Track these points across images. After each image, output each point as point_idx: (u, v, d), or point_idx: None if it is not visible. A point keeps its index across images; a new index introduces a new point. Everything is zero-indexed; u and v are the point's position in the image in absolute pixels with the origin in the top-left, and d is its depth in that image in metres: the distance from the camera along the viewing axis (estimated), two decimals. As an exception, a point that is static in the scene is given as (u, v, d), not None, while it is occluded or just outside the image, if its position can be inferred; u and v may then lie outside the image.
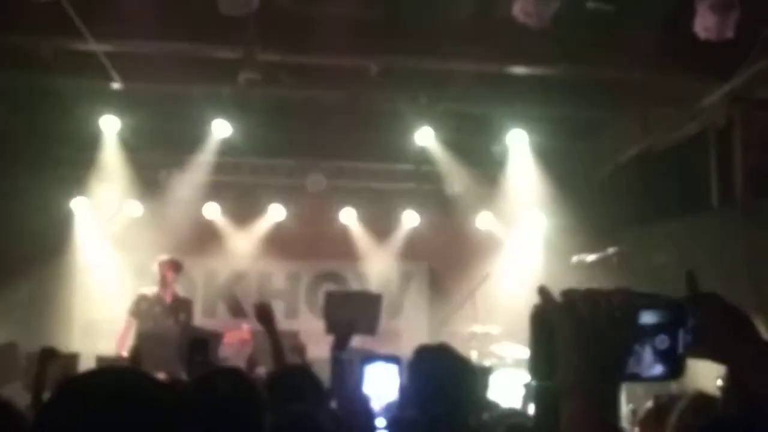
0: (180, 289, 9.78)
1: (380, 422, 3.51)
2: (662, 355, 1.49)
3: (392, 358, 3.81)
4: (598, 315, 1.41)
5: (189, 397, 2.99)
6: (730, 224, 9.10)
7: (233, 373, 3.37)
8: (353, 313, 5.98)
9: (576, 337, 1.40)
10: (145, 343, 7.92)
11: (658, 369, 1.49)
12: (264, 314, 5.48)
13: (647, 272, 9.75)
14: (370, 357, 3.69)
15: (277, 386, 4.34)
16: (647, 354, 1.49)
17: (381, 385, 3.68)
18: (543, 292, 1.48)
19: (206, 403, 2.90)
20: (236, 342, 9.15)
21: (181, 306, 9.48)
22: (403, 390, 3.77)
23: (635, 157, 10.76)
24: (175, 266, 9.48)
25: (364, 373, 3.61)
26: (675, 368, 1.50)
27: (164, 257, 9.53)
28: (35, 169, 10.98)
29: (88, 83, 9.88)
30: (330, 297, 6.49)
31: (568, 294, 1.46)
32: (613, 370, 1.43)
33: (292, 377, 4.56)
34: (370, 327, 6.43)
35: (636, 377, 1.48)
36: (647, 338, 1.48)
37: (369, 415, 3.43)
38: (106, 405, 1.70)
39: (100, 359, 7.60)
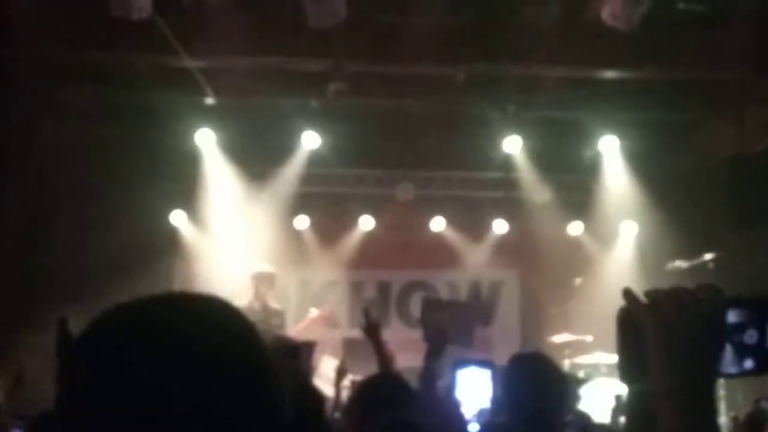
0: (273, 299, 9.91)
1: (473, 427, 3.50)
2: (752, 350, 1.47)
3: (485, 363, 3.79)
4: (685, 316, 1.39)
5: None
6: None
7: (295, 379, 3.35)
8: (448, 322, 5.94)
9: (665, 339, 1.38)
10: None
11: (748, 364, 1.47)
12: (371, 325, 5.54)
13: (745, 278, 9.48)
14: (464, 361, 3.67)
15: (370, 393, 4.37)
16: (738, 350, 1.47)
17: (474, 390, 3.66)
18: (628, 294, 1.46)
19: None
20: (306, 327, 9.37)
21: (273, 315, 9.61)
22: (497, 396, 3.74)
23: (731, 159, 10.47)
24: (268, 279, 9.60)
25: (456, 377, 3.59)
26: (765, 362, 1.47)
27: (256, 270, 9.65)
28: (133, 184, 11.29)
29: (183, 98, 10.16)
30: (427, 303, 6.46)
31: (653, 295, 1.43)
32: (705, 371, 1.40)
33: (385, 384, 4.58)
34: (465, 340, 6.37)
35: (728, 375, 1.46)
36: (737, 334, 1.46)
37: (461, 421, 3.42)
38: None
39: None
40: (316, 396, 3.15)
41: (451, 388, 3.59)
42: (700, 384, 1.39)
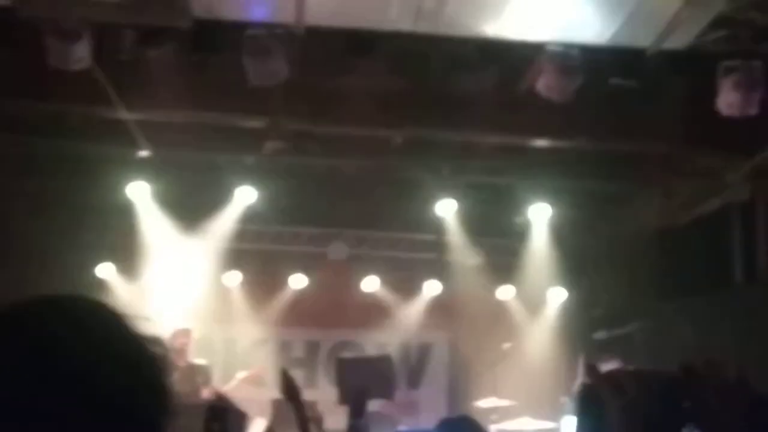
0: (199, 357, 9.81)
1: None
2: None
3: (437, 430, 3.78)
4: (647, 394, 1.40)
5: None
6: (753, 302, 9.03)
7: None
8: (367, 379, 5.88)
9: (626, 419, 1.39)
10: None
11: None
12: (290, 387, 5.47)
13: (669, 350, 9.66)
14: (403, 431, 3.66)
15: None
16: None
17: None
18: (591, 370, 1.47)
19: None
20: (234, 388, 9.31)
21: (198, 372, 9.50)
22: None
23: (658, 231, 10.75)
24: (183, 335, 9.62)
25: None
26: None
27: (180, 327, 9.69)
28: (60, 234, 11.08)
29: (115, 150, 10.03)
30: (341, 364, 6.39)
31: (616, 374, 1.45)
32: None
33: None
34: (386, 391, 6.30)
35: None
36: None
37: None
38: None
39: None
40: None
41: None
42: None
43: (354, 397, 5.18)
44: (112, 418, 1.08)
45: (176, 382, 9.28)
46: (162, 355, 1.21)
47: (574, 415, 1.47)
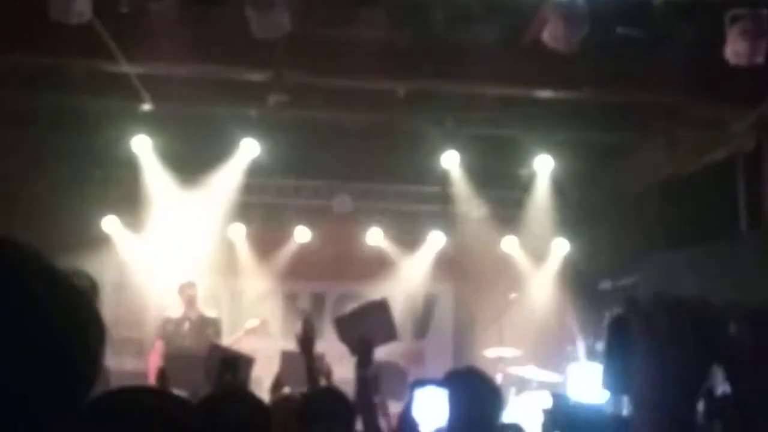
0: (205, 308, 9.90)
1: None
2: None
3: (443, 383, 3.80)
4: (680, 331, 1.37)
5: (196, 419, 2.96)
6: (757, 252, 9.04)
7: (243, 395, 3.33)
8: (366, 328, 5.89)
9: (656, 352, 1.35)
10: (171, 363, 7.99)
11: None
12: (307, 338, 5.53)
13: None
14: (422, 381, 3.69)
15: (309, 407, 4.38)
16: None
17: (431, 410, 3.68)
18: (630, 301, 1.44)
19: (213, 426, 2.86)
20: (241, 339, 9.43)
21: (209, 323, 9.59)
22: (452, 414, 3.75)
23: (662, 181, 10.73)
24: (191, 288, 9.71)
25: (414, 397, 3.61)
26: None
27: (184, 280, 9.76)
28: (65, 189, 11.09)
29: (118, 104, 10.00)
30: (339, 322, 6.39)
31: (652, 304, 1.41)
32: (692, 388, 1.37)
33: (323, 398, 4.60)
34: (389, 334, 6.29)
35: (710, 394, 1.44)
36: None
37: None
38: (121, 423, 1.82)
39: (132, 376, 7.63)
40: (263, 411, 3.12)
41: (408, 408, 3.61)
42: (682, 401, 1.36)
43: (358, 349, 5.22)
44: (39, 362, 1.02)
45: (188, 334, 9.39)
46: (87, 287, 1.18)
47: (604, 347, 1.46)
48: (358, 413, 4.51)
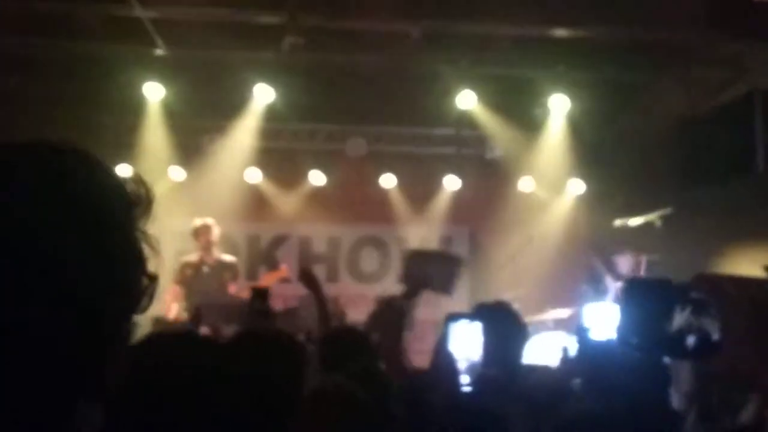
0: (221, 251, 9.89)
1: (464, 379, 3.56)
2: None
3: (476, 316, 3.83)
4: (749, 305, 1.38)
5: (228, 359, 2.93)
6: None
7: (279, 336, 3.29)
8: (431, 270, 5.91)
9: (752, 328, 1.36)
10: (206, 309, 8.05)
11: None
12: (309, 279, 5.57)
13: (690, 237, 9.71)
14: (455, 315, 3.73)
15: (331, 346, 4.43)
16: None
17: (465, 343, 3.71)
18: (703, 281, 1.43)
19: (246, 366, 2.84)
20: (275, 281, 9.39)
21: (226, 268, 9.62)
22: (486, 348, 3.78)
23: (678, 119, 10.66)
24: (207, 231, 9.59)
25: (449, 331, 3.64)
26: None
27: (200, 222, 9.64)
28: (78, 136, 11.07)
29: (131, 49, 9.95)
30: (412, 255, 6.39)
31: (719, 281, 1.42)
32: None
33: (345, 337, 4.65)
34: (446, 289, 6.32)
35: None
36: None
37: (453, 373, 3.47)
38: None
39: (157, 321, 7.65)
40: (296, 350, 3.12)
41: (443, 342, 3.63)
42: None
43: (414, 284, 5.24)
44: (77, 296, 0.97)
45: (207, 278, 9.44)
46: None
47: (621, 304, 1.48)
48: (383, 343, 4.54)
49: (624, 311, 1.46)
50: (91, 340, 1.00)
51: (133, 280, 1.06)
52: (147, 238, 1.11)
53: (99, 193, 1.06)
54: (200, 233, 9.61)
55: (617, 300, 9.81)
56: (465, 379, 3.59)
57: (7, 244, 0.94)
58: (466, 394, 3.57)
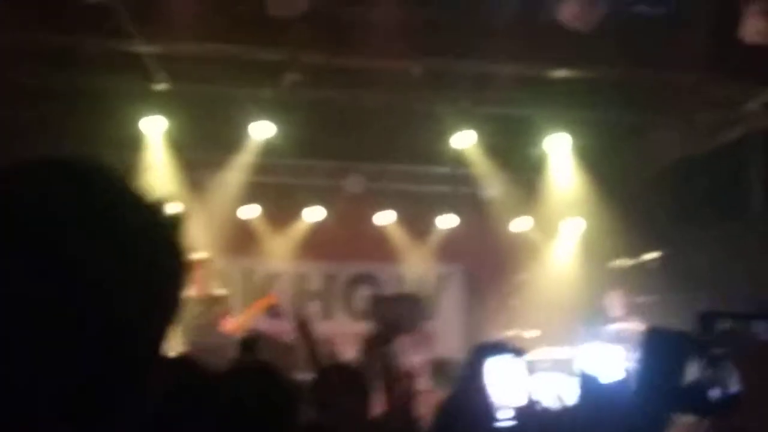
0: (214, 286, 9.83)
1: (507, 414, 3.46)
2: None
3: (518, 351, 3.75)
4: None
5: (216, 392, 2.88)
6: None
7: (266, 371, 3.26)
8: (399, 313, 5.97)
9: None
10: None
11: None
12: (303, 326, 5.56)
13: (686, 279, 9.71)
14: (492, 350, 3.63)
15: (324, 384, 4.40)
16: None
17: (505, 379, 3.60)
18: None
19: (232, 401, 2.80)
20: (265, 307, 9.38)
21: (217, 302, 9.56)
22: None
23: (677, 161, 10.72)
24: (202, 265, 9.54)
25: (484, 365, 3.54)
26: None
27: (191, 257, 9.57)
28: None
29: (130, 83, 9.97)
30: (377, 300, 6.48)
31: None
32: None
33: (337, 375, 4.62)
34: (413, 327, 6.40)
35: None
36: None
37: (489, 407, 3.39)
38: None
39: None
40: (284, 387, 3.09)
41: (478, 376, 3.49)
42: None
43: (384, 331, 5.27)
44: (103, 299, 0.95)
45: (195, 314, 9.36)
46: (177, 217, 1.11)
47: (640, 354, 1.46)
48: (381, 385, 4.53)
49: (643, 362, 1.43)
50: (129, 360, 0.99)
51: (170, 294, 1.05)
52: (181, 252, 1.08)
53: (133, 210, 1.05)
54: (195, 268, 9.56)
55: (611, 340, 9.80)
56: (506, 414, 3.51)
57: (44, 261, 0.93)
58: (507, 429, 3.51)
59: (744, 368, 1.33)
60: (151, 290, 1.01)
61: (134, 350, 0.99)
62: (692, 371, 1.36)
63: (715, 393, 1.34)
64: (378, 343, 5.27)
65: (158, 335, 1.03)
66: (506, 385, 3.46)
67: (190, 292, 9.52)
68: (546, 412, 3.61)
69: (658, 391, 1.37)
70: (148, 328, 1.01)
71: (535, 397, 3.68)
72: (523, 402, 3.46)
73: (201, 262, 9.57)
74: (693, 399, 1.34)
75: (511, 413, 3.45)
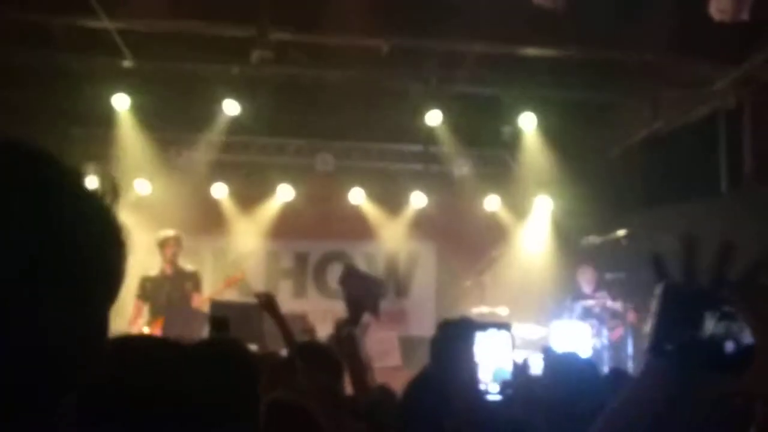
0: (184, 261, 9.79)
1: (494, 388, 3.46)
2: None
3: (503, 326, 3.75)
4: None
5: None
6: (738, 209, 9.13)
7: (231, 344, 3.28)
8: (367, 292, 6.00)
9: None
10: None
11: None
12: (268, 304, 5.55)
13: (651, 255, 9.77)
14: (482, 325, 3.62)
15: (297, 361, 4.41)
16: None
17: (492, 353, 3.60)
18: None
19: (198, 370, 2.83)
20: (219, 292, 9.42)
21: (187, 277, 9.54)
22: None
23: (644, 139, 10.78)
24: (173, 242, 9.52)
25: (473, 341, 3.52)
26: None
27: (165, 234, 9.59)
28: (46, 147, 10.95)
29: (99, 61, 9.89)
30: (349, 274, 6.49)
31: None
32: None
33: (312, 353, 4.63)
34: (376, 309, 6.46)
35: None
36: None
37: (474, 382, 3.39)
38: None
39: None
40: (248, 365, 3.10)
41: (466, 349, 3.46)
42: None
43: (352, 307, 5.27)
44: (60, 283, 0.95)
45: (170, 291, 9.36)
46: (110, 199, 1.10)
47: (655, 309, 1.44)
48: (345, 368, 4.55)
49: (659, 317, 1.42)
50: (77, 335, 0.98)
51: (114, 269, 1.04)
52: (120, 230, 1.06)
53: (69, 197, 1.02)
54: (166, 245, 9.53)
55: (581, 317, 9.89)
56: (493, 388, 3.52)
57: None
58: (494, 403, 3.51)
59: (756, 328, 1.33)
60: (90, 279, 0.99)
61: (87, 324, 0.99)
62: (708, 326, 1.37)
63: (730, 346, 1.35)
64: (350, 322, 5.27)
65: (105, 307, 1.03)
66: (493, 359, 3.48)
67: (158, 270, 9.51)
68: (531, 383, 3.61)
69: (676, 346, 1.37)
70: (95, 301, 1.01)
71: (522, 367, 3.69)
72: (509, 375, 3.49)
73: (170, 240, 9.54)
74: (710, 352, 1.34)
75: (497, 387, 3.47)
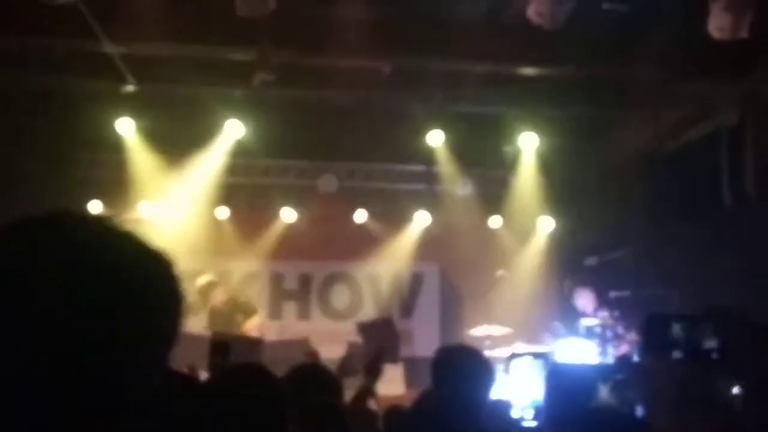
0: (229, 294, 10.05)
1: (528, 414, 3.49)
2: None
3: (540, 355, 3.78)
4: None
5: (207, 395, 2.96)
6: (741, 225, 9.11)
7: (255, 369, 3.32)
8: (382, 342, 6.02)
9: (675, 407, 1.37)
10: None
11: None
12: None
13: (657, 274, 9.76)
14: (518, 353, 3.65)
15: (297, 381, 4.40)
16: None
17: (528, 380, 3.61)
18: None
19: (224, 400, 2.88)
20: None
21: (236, 308, 9.83)
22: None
23: (646, 157, 10.78)
24: (213, 287, 10.01)
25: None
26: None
27: (200, 283, 9.85)
28: (48, 172, 11.01)
29: (102, 85, 9.93)
30: (361, 330, 6.56)
31: None
32: None
33: (310, 373, 4.63)
34: (395, 356, 6.53)
35: None
36: None
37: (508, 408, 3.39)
38: None
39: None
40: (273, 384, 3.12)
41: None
42: None
43: (373, 363, 5.32)
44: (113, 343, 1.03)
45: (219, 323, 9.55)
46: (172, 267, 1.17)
47: (545, 386, 1.47)
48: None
49: (548, 393, 1.45)
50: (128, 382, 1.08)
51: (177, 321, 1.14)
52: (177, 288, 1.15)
53: (127, 256, 1.13)
54: (209, 289, 9.85)
55: (584, 336, 9.86)
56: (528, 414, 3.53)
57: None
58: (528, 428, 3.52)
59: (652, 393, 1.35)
60: (154, 332, 1.09)
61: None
62: (598, 396, 1.40)
63: (616, 418, 1.37)
64: (369, 381, 5.31)
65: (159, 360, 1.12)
66: (526, 385, 3.49)
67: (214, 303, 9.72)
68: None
69: (566, 420, 1.40)
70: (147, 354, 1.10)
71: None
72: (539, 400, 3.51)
73: (209, 285, 9.76)
74: (598, 423, 1.37)
75: (532, 413, 3.49)
